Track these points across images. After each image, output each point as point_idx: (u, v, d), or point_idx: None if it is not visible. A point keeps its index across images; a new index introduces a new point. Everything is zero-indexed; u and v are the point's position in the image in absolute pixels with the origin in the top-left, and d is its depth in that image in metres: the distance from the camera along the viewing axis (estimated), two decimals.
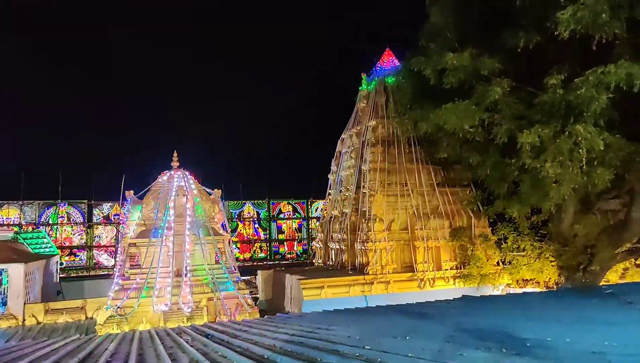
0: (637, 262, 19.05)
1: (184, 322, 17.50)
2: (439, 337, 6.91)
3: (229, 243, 21.69)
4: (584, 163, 13.67)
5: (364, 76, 25.70)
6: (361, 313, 13.12)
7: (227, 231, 22.16)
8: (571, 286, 16.44)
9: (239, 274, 20.72)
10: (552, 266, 18.79)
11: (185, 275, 19.01)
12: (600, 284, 16.42)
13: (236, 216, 38.01)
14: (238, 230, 37.89)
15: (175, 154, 21.68)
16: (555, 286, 18.80)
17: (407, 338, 7.08)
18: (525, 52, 14.04)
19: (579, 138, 13.31)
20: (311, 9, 50.43)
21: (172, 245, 19.37)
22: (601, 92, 12.38)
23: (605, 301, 9.56)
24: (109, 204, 35.06)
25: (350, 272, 21.86)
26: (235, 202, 37.98)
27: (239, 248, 37.22)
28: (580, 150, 13.44)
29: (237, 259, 35.12)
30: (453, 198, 23.02)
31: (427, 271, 21.46)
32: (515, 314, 9.16)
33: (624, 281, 18.45)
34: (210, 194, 21.75)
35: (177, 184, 20.56)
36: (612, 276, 18.69)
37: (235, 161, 45.66)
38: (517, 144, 14.40)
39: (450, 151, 19.37)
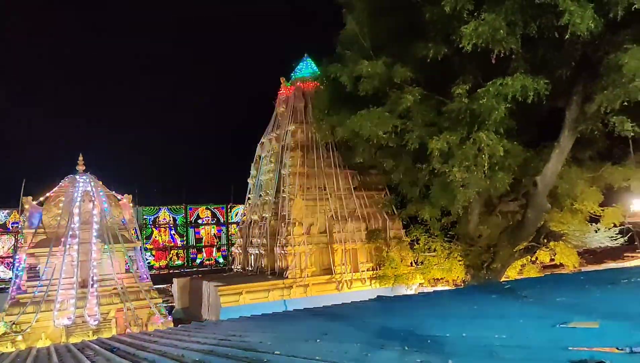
0: (533, 259, 20.74)
1: (89, 335, 16.39)
2: (348, 338, 7.02)
3: (141, 250, 20.68)
4: (486, 167, 14.62)
5: (283, 80, 25.75)
6: (278, 318, 13.04)
7: (138, 238, 21.12)
8: (476, 284, 17.50)
9: (152, 283, 19.83)
10: (460, 265, 19.93)
11: (92, 285, 17.83)
12: (501, 280, 17.64)
13: (151, 223, 36.37)
14: (153, 236, 36.28)
15: (80, 158, 20.28)
16: (462, 284, 19.91)
17: (318, 341, 7.12)
18: (434, 63, 14.76)
19: (482, 145, 14.21)
20: (230, 12, 49.79)
21: (77, 254, 18.08)
22: (500, 102, 13.28)
23: (503, 296, 10.25)
24: (6, 211, 32.12)
25: (270, 277, 21.75)
26: (149, 207, 36.33)
27: (153, 256, 35.65)
28: (484, 156, 14.35)
29: (151, 267, 33.70)
30: (369, 201, 23.70)
31: (344, 273, 21.87)
32: (422, 312, 9.56)
33: (521, 277, 19.97)
34: (120, 199, 20.62)
35: (83, 189, 19.25)
36: (512, 273, 20.17)
37: (150, 164, 43.81)
38: (428, 150, 15.08)
39: (366, 156, 19.92)
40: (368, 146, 18.74)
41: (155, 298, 19.09)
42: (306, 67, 25.75)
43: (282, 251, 21.72)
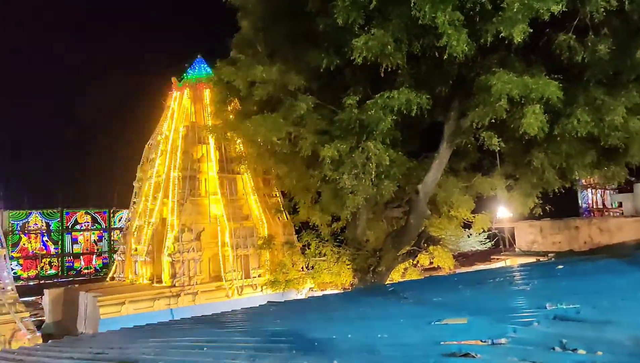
0: (414, 262, 22.21)
1: None
2: (236, 345, 6.92)
3: (6, 259, 18.47)
4: (373, 175, 15.36)
5: (174, 80, 24.81)
6: (163, 328, 12.41)
7: (2, 246, 18.86)
8: (363, 287, 18.26)
9: (17, 295, 17.81)
10: (348, 269, 20.63)
11: None
12: (386, 283, 18.61)
13: (19, 228, 32.69)
14: (21, 244, 32.63)
15: None
16: (350, 287, 20.65)
17: (205, 349, 6.93)
18: (327, 73, 15.18)
19: (370, 154, 14.91)
20: (123, 9, 46.87)
21: None
22: (387, 114, 14.03)
23: (387, 298, 10.82)
24: None
25: (155, 285, 20.70)
26: (17, 212, 32.66)
27: (21, 265, 32.07)
28: (371, 164, 15.07)
29: (18, 277, 30.31)
30: (262, 206, 23.66)
31: (235, 279, 21.54)
32: (311, 316, 9.74)
33: (404, 279, 21.28)
34: None
35: None
36: (396, 276, 21.39)
37: (20, 164, 39.44)
38: (320, 158, 15.46)
39: (260, 162, 19.85)
40: (262, 151, 18.70)
41: (22, 312, 17.19)
42: (199, 69, 25.08)
43: (170, 259, 20.81)
